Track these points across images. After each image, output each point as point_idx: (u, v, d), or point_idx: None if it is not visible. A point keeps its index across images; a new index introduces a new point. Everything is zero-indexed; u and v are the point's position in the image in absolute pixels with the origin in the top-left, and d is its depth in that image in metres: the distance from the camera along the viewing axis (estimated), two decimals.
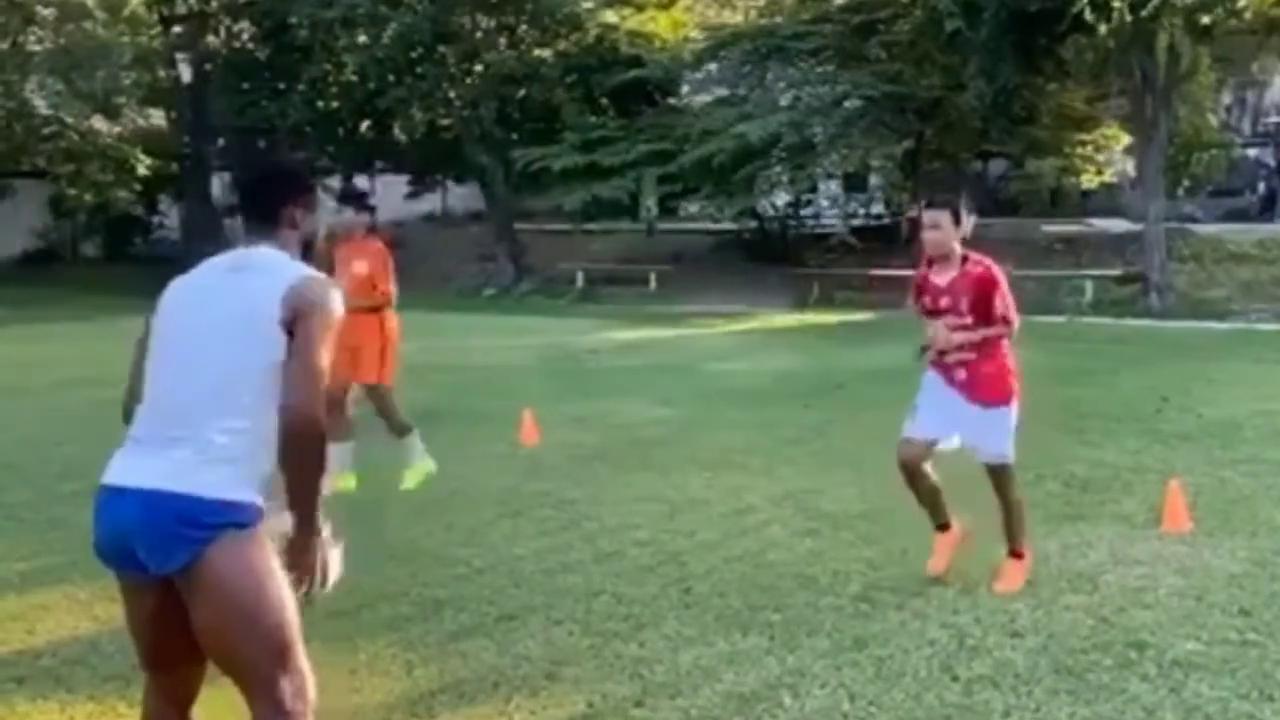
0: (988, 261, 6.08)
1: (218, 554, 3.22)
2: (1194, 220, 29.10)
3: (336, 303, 3.43)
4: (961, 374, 6.09)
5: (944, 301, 6.05)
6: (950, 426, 6.15)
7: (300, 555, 3.37)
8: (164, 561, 3.24)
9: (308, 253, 3.69)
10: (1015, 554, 6.26)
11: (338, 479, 8.35)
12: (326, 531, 3.46)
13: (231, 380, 3.32)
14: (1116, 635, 5.42)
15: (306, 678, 3.38)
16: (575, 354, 17.67)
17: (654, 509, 7.95)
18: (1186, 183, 33.41)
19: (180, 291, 3.58)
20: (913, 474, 6.20)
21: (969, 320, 6.01)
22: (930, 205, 6.19)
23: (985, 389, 6.07)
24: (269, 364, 3.31)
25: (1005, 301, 6.00)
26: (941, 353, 6.12)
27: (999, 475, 6.16)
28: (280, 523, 3.76)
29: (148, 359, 3.52)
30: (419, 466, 8.65)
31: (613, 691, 4.92)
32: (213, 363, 3.34)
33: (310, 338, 3.32)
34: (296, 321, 3.32)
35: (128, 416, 3.53)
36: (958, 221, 6.00)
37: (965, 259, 6.05)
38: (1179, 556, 6.60)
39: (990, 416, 6.08)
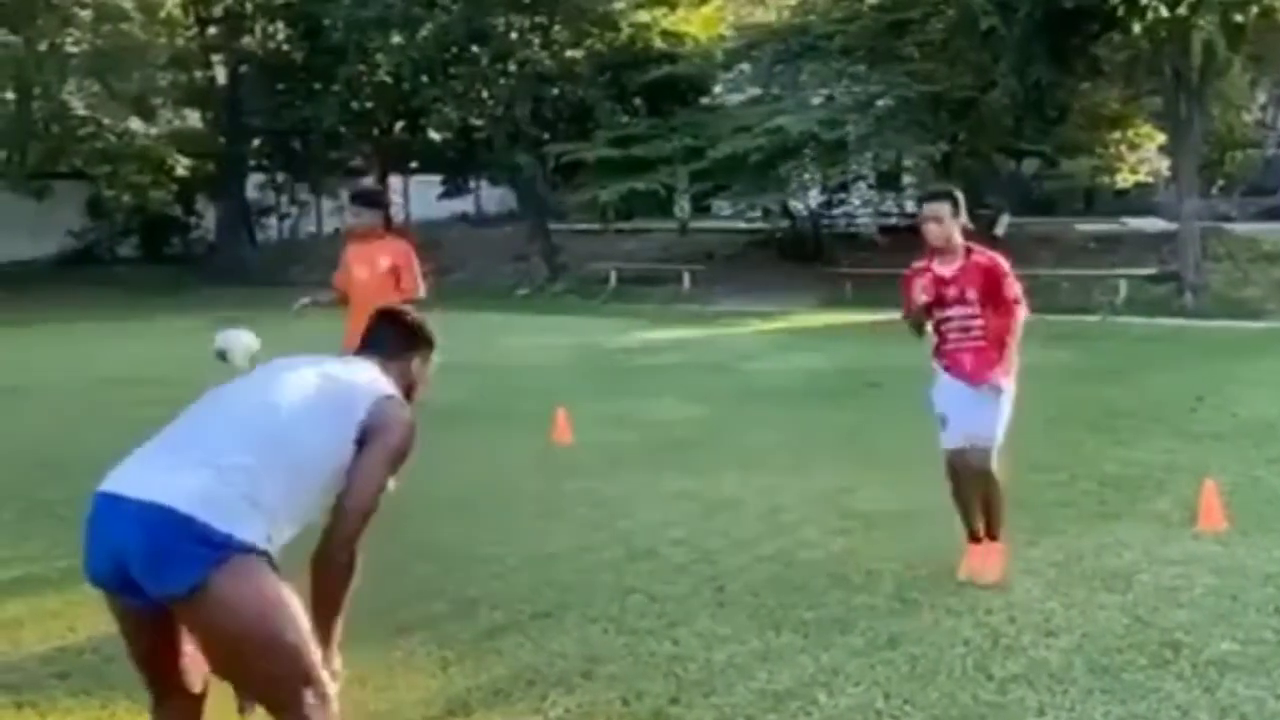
0: (991, 253, 6.24)
1: (222, 578, 3.08)
2: (1228, 219, 28.86)
3: (409, 432, 3.54)
4: (969, 359, 6.18)
5: (950, 292, 6.16)
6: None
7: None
8: (163, 582, 3.08)
9: (407, 397, 3.78)
10: (993, 536, 6.32)
11: None
12: (337, 661, 3.56)
13: (283, 434, 3.34)
14: (1151, 634, 5.40)
15: (327, 685, 3.34)
16: (609, 353, 17.70)
17: (687, 508, 7.97)
18: (1221, 181, 33.20)
19: (276, 363, 3.69)
20: (959, 482, 6.31)
21: (977, 310, 6.11)
22: (929, 198, 6.35)
23: (990, 368, 6.13)
24: (329, 457, 3.39)
25: (1014, 287, 6.14)
26: (949, 348, 6.24)
27: (984, 460, 6.19)
28: None
29: (211, 393, 3.53)
30: None
31: (647, 689, 4.94)
32: (278, 414, 3.38)
33: (378, 453, 3.44)
34: (370, 434, 3.44)
35: None
36: (956, 213, 6.13)
37: (969, 250, 6.18)
38: (1214, 556, 6.57)
39: (988, 393, 6.13)
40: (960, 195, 6.26)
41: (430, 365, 3.95)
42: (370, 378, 3.61)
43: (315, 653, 3.30)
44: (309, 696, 3.27)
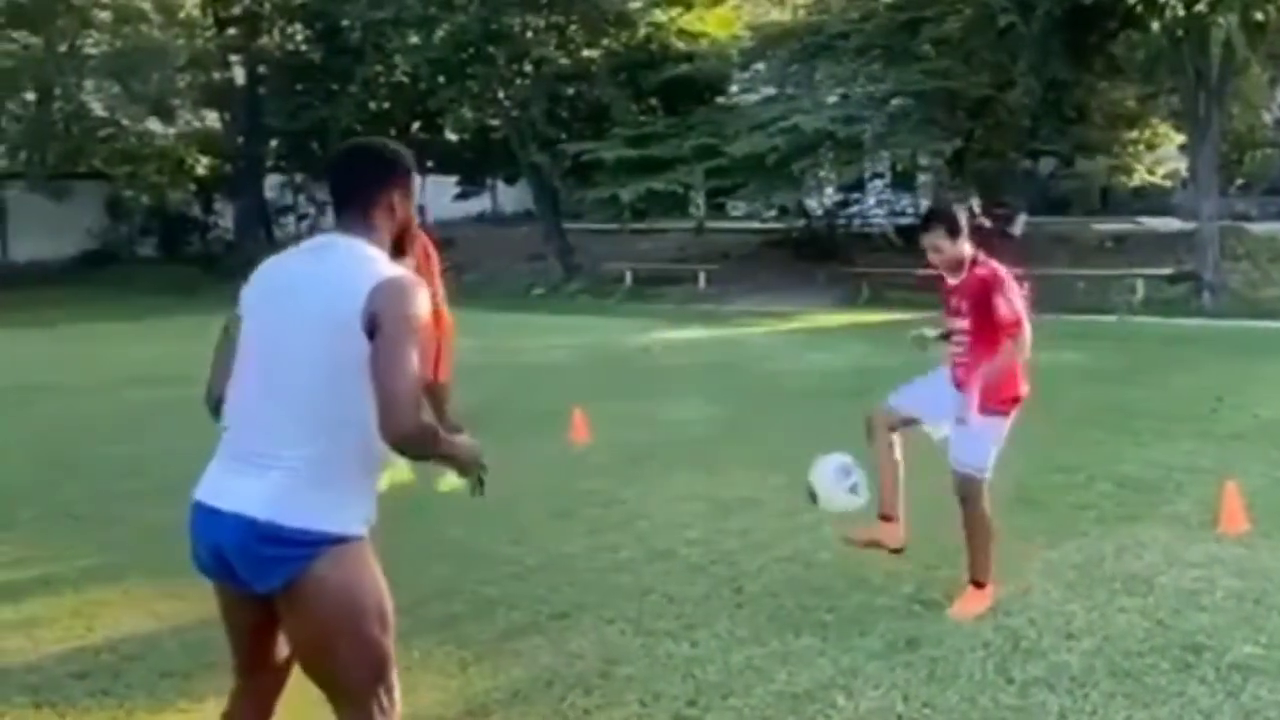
0: (995, 265, 5.83)
1: (318, 571, 3.15)
2: (1247, 219, 28.74)
3: (420, 304, 3.18)
4: (960, 374, 5.90)
5: (953, 301, 5.95)
6: (939, 413, 5.97)
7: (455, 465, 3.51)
8: (264, 581, 3.17)
9: (402, 241, 3.47)
10: (976, 583, 5.90)
11: (398, 472, 8.34)
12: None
13: (313, 394, 3.17)
14: (1173, 638, 5.37)
15: (397, 694, 3.36)
16: (625, 353, 17.69)
17: (704, 508, 7.95)
18: (1239, 181, 33.09)
19: (265, 283, 3.41)
20: (870, 432, 6.17)
21: (967, 323, 5.83)
22: (922, 229, 5.98)
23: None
24: (350, 373, 3.13)
25: (1008, 302, 5.63)
26: (952, 360, 6.06)
27: (966, 488, 5.86)
28: None
29: (237, 357, 3.37)
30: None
31: (665, 691, 4.93)
32: (294, 372, 3.19)
33: (389, 350, 3.08)
34: (376, 328, 3.10)
35: (215, 410, 3.45)
36: (955, 233, 5.78)
37: (974, 261, 5.84)
38: (1236, 558, 6.53)
39: (973, 420, 5.72)
40: (956, 211, 5.89)
41: (414, 194, 3.48)
42: (353, 272, 3.20)
43: (393, 655, 3.35)
44: (379, 699, 3.30)
